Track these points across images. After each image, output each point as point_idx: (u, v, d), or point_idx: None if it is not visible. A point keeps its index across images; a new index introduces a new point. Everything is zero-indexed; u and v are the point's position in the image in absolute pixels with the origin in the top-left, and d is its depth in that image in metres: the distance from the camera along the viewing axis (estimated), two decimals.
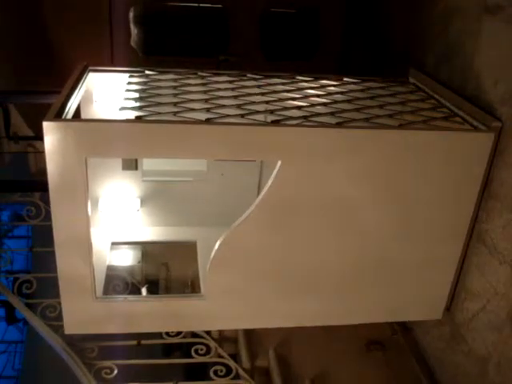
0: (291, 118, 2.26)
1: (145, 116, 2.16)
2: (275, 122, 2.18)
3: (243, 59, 4.51)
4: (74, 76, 2.44)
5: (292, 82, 2.70)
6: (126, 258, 2.94)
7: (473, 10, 2.51)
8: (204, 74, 2.69)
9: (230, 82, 2.62)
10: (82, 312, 2.35)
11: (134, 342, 4.28)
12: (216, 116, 2.20)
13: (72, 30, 4.40)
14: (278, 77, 2.75)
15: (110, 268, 2.77)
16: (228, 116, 2.22)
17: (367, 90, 2.70)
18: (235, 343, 5.87)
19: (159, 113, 2.20)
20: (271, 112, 2.30)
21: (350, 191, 2.27)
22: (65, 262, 2.23)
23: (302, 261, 2.38)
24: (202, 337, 4.45)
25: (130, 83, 2.52)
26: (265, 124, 2.16)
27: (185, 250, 2.94)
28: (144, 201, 2.95)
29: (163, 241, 2.95)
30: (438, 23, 2.86)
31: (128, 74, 2.62)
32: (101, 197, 2.89)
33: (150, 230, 2.97)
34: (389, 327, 3.28)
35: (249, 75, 2.74)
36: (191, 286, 2.97)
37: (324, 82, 2.75)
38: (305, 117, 2.29)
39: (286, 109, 2.36)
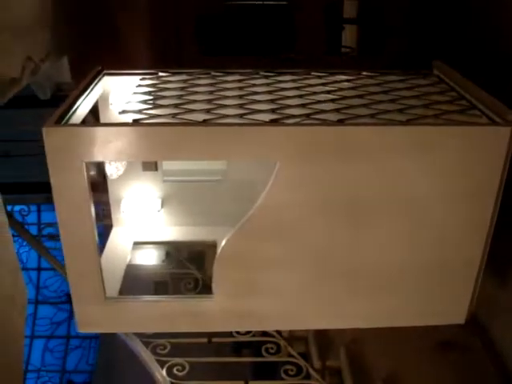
0: (293, 116, 2.21)
1: (142, 119, 2.18)
2: (273, 121, 2.14)
3: (308, 57, 4.47)
4: (85, 80, 2.50)
5: (304, 79, 2.63)
6: (149, 258, 2.99)
7: None
8: (216, 74, 2.68)
9: (240, 81, 2.59)
10: (93, 312, 2.40)
11: (205, 340, 4.38)
12: (215, 117, 2.19)
13: (138, 30, 4.51)
14: (291, 74, 2.69)
15: (131, 267, 2.82)
16: (227, 116, 2.20)
17: (384, 84, 2.58)
18: (306, 342, 5.89)
19: (158, 115, 2.21)
20: (273, 111, 2.26)
21: (354, 192, 2.19)
22: (73, 264, 2.28)
23: (306, 262, 2.33)
24: (272, 335, 4.48)
25: (139, 86, 2.55)
26: (258, 124, 2.11)
27: (207, 250, 2.95)
28: (166, 201, 2.99)
29: (185, 240, 2.98)
30: None
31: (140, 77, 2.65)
32: (123, 197, 2.95)
33: (173, 230, 3.00)
34: (463, 327, 3.12)
35: (261, 73, 2.70)
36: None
37: (339, 77, 2.67)
38: (307, 115, 2.22)
39: (289, 107, 2.31)
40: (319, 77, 2.67)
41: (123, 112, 2.27)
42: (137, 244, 2.91)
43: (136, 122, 2.14)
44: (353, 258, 2.36)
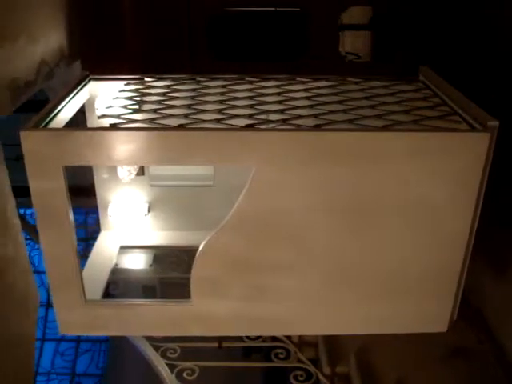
0: (269, 121, 2.21)
1: (120, 123, 2.19)
2: (248, 127, 2.14)
3: (323, 62, 4.47)
4: (69, 85, 2.53)
5: (287, 85, 2.63)
6: (136, 262, 3.00)
7: None
8: (200, 79, 2.69)
9: (223, 86, 2.60)
10: (74, 315, 2.41)
11: (215, 344, 4.38)
12: (192, 121, 2.20)
13: (150, 36, 4.53)
14: (275, 79, 2.69)
15: (117, 271, 2.84)
16: (204, 121, 2.21)
17: (367, 90, 2.57)
18: (315, 348, 5.87)
19: (136, 120, 2.22)
20: (250, 116, 2.26)
21: (331, 196, 2.17)
22: (53, 268, 2.30)
23: (285, 266, 2.32)
24: (281, 341, 4.48)
25: (123, 90, 2.57)
26: (234, 129, 2.12)
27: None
28: (153, 205, 3.00)
29: (173, 245, 2.99)
30: None
31: (124, 82, 2.67)
32: (111, 202, 2.97)
33: (160, 234, 3.01)
34: (474, 335, 3.08)
35: (247, 79, 2.70)
36: None
37: (323, 83, 2.66)
38: (284, 120, 2.22)
39: (268, 112, 2.31)
40: (303, 82, 2.67)
41: (102, 116, 2.29)
42: (124, 248, 2.93)
43: (112, 127, 2.15)
44: (335, 263, 2.35)
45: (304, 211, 2.22)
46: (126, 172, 2.79)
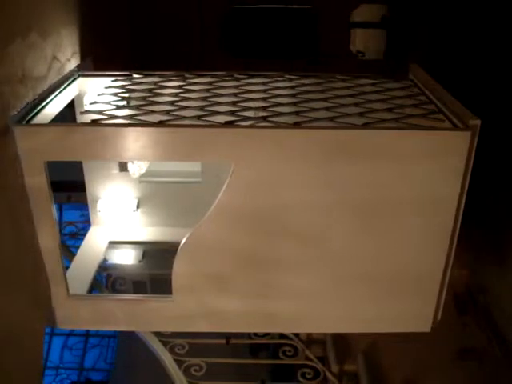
0: (249, 118, 2.21)
1: (101, 119, 2.20)
2: (228, 123, 2.14)
3: (334, 59, 4.46)
4: (57, 81, 2.54)
5: (274, 82, 2.62)
6: (126, 257, 3.02)
7: None
8: (187, 76, 2.69)
9: (210, 83, 2.60)
10: (60, 308, 2.44)
11: (223, 341, 4.39)
12: (173, 118, 2.20)
13: (164, 34, 4.55)
14: (263, 76, 2.68)
15: (105, 267, 2.86)
16: (184, 118, 2.22)
17: (354, 88, 2.56)
18: (323, 346, 5.86)
19: (117, 116, 2.23)
20: (232, 113, 2.26)
21: (309, 198, 2.16)
22: (47, 263, 2.32)
23: (268, 262, 2.32)
24: (289, 338, 4.47)
25: (109, 87, 2.58)
26: (211, 125, 2.12)
27: None
28: (142, 201, 3.02)
29: (162, 241, 3.00)
30: None
31: (112, 78, 2.68)
32: (100, 197, 2.99)
33: (149, 230, 3.03)
34: (484, 336, 3.06)
35: (235, 75, 2.70)
36: None
37: (310, 80, 2.65)
38: (264, 117, 2.22)
39: (250, 109, 2.30)
40: (290, 79, 2.66)
41: (85, 112, 2.30)
42: (113, 243, 2.94)
43: (92, 123, 2.16)
44: (327, 262, 2.34)
45: (286, 208, 2.21)
46: (136, 167, 2.81)
